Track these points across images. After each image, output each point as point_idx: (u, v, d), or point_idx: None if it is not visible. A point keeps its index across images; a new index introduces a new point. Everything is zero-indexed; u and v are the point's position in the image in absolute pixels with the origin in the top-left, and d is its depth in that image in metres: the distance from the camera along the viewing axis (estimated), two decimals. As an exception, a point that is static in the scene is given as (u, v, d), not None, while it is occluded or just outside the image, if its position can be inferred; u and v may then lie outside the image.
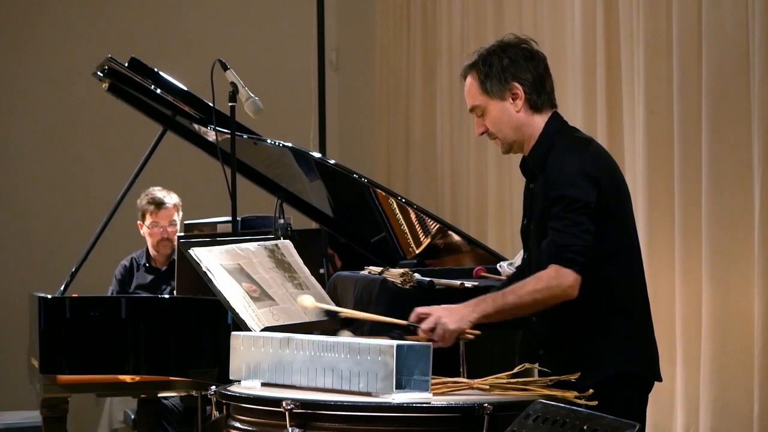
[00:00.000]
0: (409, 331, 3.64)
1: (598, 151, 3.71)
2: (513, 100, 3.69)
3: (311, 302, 3.78)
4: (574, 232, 3.52)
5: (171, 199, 6.51)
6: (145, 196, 6.52)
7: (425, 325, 3.58)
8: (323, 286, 4.44)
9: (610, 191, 3.60)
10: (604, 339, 3.63)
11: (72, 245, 6.93)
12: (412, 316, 3.63)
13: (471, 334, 3.62)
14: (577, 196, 3.54)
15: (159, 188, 6.54)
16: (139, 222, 6.54)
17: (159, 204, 6.47)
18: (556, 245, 3.52)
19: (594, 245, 3.53)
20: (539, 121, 3.71)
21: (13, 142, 8.82)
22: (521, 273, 3.86)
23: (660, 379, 3.74)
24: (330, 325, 4.06)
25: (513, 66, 3.68)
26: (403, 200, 5.51)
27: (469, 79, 3.75)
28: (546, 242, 3.55)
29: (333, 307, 3.94)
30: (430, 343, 3.41)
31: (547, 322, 3.69)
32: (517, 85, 3.68)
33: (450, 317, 3.56)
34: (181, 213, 6.54)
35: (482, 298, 3.60)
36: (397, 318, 3.72)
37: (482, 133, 3.77)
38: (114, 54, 5.66)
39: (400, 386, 3.30)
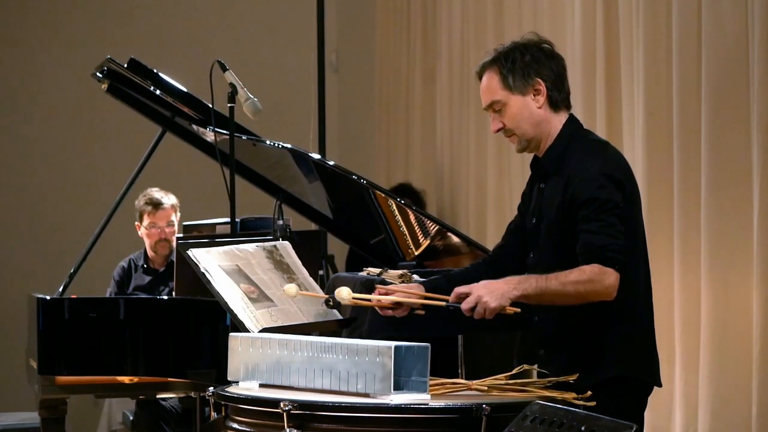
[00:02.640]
0: (449, 311, 3.62)
1: (616, 154, 3.75)
2: (535, 95, 3.70)
3: (350, 293, 3.67)
4: (609, 233, 3.53)
5: (168, 199, 6.51)
6: (143, 197, 6.51)
7: (466, 305, 3.56)
8: (322, 287, 4.44)
9: (627, 195, 3.62)
10: (605, 341, 3.63)
11: (71, 246, 6.92)
12: (452, 296, 3.61)
13: (511, 310, 3.59)
14: (607, 197, 3.55)
15: (156, 189, 6.54)
16: (137, 223, 6.54)
17: (156, 204, 6.47)
18: (596, 246, 3.52)
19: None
20: (557, 120, 3.73)
21: (11, 143, 8.81)
22: (488, 263, 3.88)
23: (660, 385, 3.74)
24: (330, 326, 4.06)
25: (535, 62, 3.70)
26: (402, 202, 5.52)
27: (488, 75, 3.74)
28: (581, 245, 3.55)
29: (368, 296, 3.75)
30: (428, 345, 3.41)
31: (550, 323, 3.69)
32: (539, 80, 3.70)
33: (491, 295, 3.54)
34: (179, 214, 6.54)
35: (525, 277, 3.59)
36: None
37: (498, 130, 3.76)
38: (113, 55, 5.65)
39: (398, 387, 3.30)
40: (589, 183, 3.58)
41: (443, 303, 3.64)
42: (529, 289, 3.55)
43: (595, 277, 3.50)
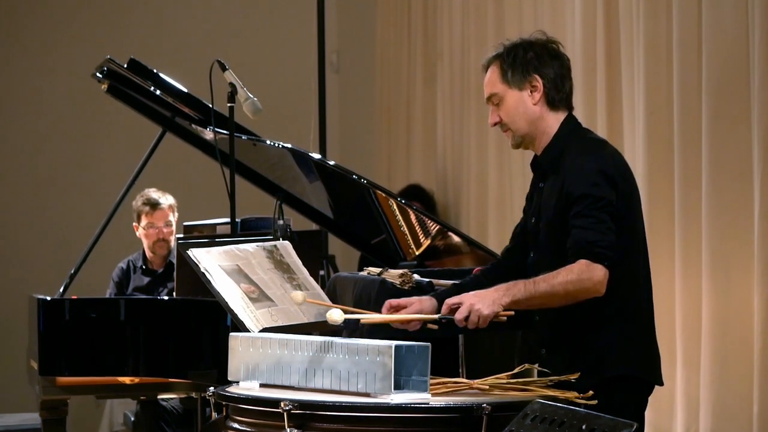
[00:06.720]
0: (443, 324, 3.62)
1: (613, 152, 3.74)
2: (531, 92, 3.71)
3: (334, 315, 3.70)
4: (600, 229, 3.53)
5: (166, 199, 6.51)
6: (140, 198, 6.51)
7: (459, 315, 3.56)
8: (323, 287, 4.43)
9: (623, 193, 3.63)
10: (606, 341, 3.63)
11: (71, 247, 6.92)
12: (444, 308, 3.62)
13: (504, 315, 3.59)
14: (600, 194, 3.56)
15: (154, 189, 6.54)
16: (134, 224, 6.54)
17: (154, 205, 6.47)
18: (586, 241, 3.53)
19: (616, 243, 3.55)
20: (554, 119, 3.73)
21: (11, 143, 8.81)
22: (496, 266, 3.89)
23: (661, 383, 3.74)
24: (330, 326, 4.05)
25: (537, 60, 3.72)
26: (403, 201, 5.51)
27: (491, 69, 3.77)
28: (571, 240, 3.56)
29: (359, 314, 3.80)
30: (429, 344, 3.40)
31: (550, 322, 3.69)
32: (537, 77, 3.71)
33: (483, 303, 3.54)
34: (176, 214, 6.54)
35: (514, 284, 3.58)
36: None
37: (495, 124, 3.77)
38: (113, 55, 5.65)
39: (398, 387, 3.29)
40: (583, 180, 3.59)
41: (435, 317, 3.64)
42: (519, 294, 3.55)
43: (583, 275, 3.51)
